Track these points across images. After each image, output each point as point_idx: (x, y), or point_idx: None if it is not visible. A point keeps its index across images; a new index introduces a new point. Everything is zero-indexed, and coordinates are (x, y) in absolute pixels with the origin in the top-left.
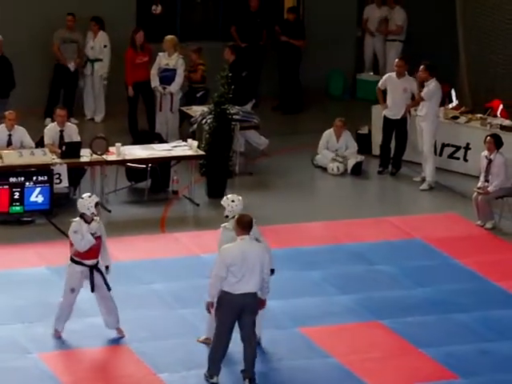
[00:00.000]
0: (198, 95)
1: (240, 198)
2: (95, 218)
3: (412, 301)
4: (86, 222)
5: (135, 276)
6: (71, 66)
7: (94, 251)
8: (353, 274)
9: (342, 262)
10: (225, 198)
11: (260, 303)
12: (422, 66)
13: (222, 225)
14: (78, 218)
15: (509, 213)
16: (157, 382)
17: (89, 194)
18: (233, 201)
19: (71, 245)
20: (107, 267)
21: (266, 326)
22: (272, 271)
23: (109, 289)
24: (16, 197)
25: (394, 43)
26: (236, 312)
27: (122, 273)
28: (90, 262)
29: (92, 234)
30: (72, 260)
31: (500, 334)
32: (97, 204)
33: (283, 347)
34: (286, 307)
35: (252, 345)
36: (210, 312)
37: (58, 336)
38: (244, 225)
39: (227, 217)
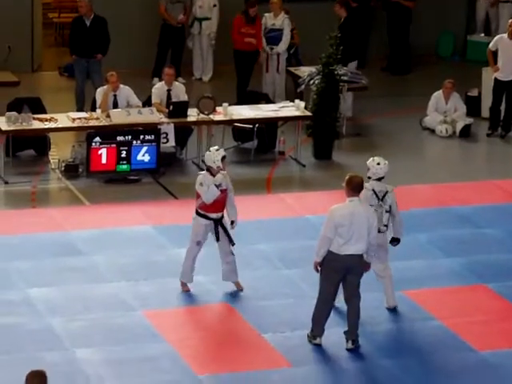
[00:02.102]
0: (291, 51)
1: (386, 162)
2: (222, 171)
3: None
4: (211, 174)
5: (240, 236)
6: (180, 18)
7: (219, 204)
8: (459, 237)
9: (448, 225)
10: (371, 158)
11: (365, 266)
12: None
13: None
14: (204, 171)
15: None
16: (261, 341)
17: (216, 147)
18: (378, 163)
19: (197, 197)
20: (232, 222)
21: (370, 289)
22: (398, 240)
23: (232, 244)
24: (123, 155)
25: (507, 4)
26: (341, 273)
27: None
28: (214, 216)
29: (217, 186)
30: (197, 213)
31: None
32: (223, 158)
33: (387, 310)
34: (391, 269)
35: (356, 306)
36: (318, 271)
37: (186, 290)
38: (354, 186)
39: (369, 178)
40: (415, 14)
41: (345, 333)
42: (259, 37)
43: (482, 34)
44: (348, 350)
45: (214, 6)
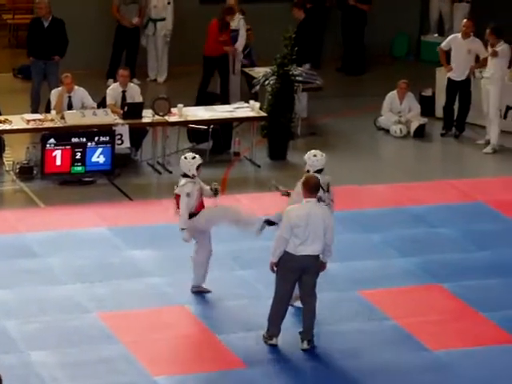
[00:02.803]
0: (245, 52)
1: (323, 154)
2: (191, 180)
3: (473, 264)
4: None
5: None
6: (135, 21)
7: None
8: (413, 236)
9: (403, 224)
10: (308, 152)
11: (321, 266)
12: (488, 30)
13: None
14: (185, 179)
15: None
16: (216, 342)
17: (192, 154)
18: (315, 155)
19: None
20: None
21: (325, 289)
22: None
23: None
24: (78, 157)
25: (461, 4)
26: (297, 273)
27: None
28: None
29: (188, 195)
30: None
31: None
32: (199, 166)
33: (342, 310)
34: (346, 270)
35: (311, 306)
36: (274, 271)
37: (200, 291)
38: (310, 187)
39: (308, 171)
40: (370, 15)
41: (300, 333)
42: (230, 43)
43: (436, 35)
44: (303, 350)
45: (169, 3)
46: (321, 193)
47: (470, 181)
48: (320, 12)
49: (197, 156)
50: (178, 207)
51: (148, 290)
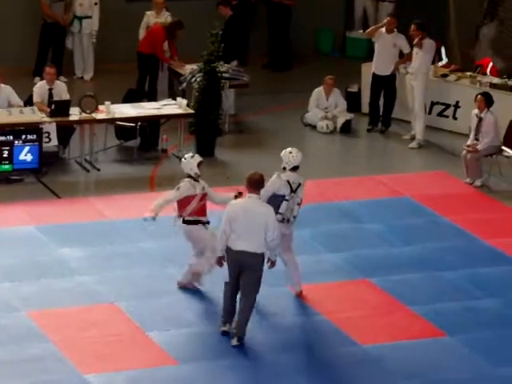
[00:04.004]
0: None
1: (299, 151)
2: (185, 180)
3: (400, 259)
4: (195, 180)
5: (124, 235)
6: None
7: (205, 207)
8: (341, 232)
9: (330, 220)
10: (284, 150)
11: (270, 263)
12: (413, 26)
13: (277, 172)
14: (187, 179)
15: (498, 171)
16: (146, 340)
17: (191, 154)
18: (290, 152)
19: (181, 206)
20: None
21: None
22: None
23: None
24: (5, 155)
25: (385, 4)
26: (235, 267)
27: (111, 231)
28: (204, 219)
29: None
30: (189, 221)
31: (487, 292)
32: (200, 163)
33: (272, 305)
34: (276, 265)
35: (246, 304)
36: (220, 265)
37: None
38: (251, 182)
39: (284, 168)
40: (295, 11)
41: (232, 329)
42: (175, 55)
43: (361, 31)
44: (233, 346)
45: (96, 3)
46: (285, 191)
47: (396, 176)
48: (246, 9)
49: (195, 155)
50: (179, 208)
51: (77, 288)
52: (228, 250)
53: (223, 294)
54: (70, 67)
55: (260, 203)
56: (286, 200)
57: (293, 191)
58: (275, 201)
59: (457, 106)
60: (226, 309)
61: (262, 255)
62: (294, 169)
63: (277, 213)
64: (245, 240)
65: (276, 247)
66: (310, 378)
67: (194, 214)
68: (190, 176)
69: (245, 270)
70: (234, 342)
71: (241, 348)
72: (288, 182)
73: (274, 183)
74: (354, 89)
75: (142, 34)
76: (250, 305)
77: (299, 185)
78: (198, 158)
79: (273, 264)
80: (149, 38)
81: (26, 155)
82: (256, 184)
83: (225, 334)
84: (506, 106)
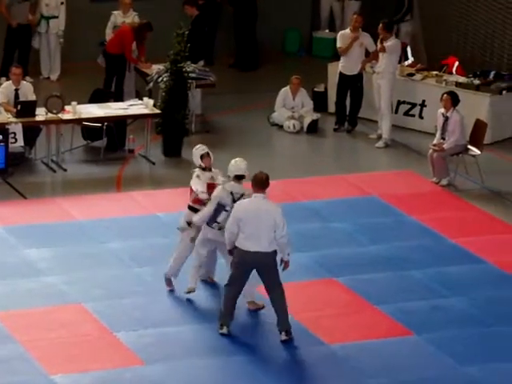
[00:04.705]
0: None
1: (245, 162)
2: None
3: (367, 258)
4: (203, 169)
5: (91, 235)
6: (28, 18)
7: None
8: (309, 231)
9: (297, 219)
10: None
11: (284, 264)
12: (380, 24)
13: (222, 182)
14: (197, 168)
15: (464, 170)
16: (113, 340)
17: (198, 145)
18: (236, 161)
19: (191, 192)
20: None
21: (221, 284)
22: None
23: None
24: None
25: (352, 2)
26: (247, 268)
27: (78, 232)
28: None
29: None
30: (190, 208)
31: (453, 291)
32: (202, 156)
33: (238, 304)
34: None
35: (279, 302)
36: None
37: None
38: (257, 182)
39: (229, 177)
40: (261, 10)
41: (277, 326)
42: (144, 56)
43: (327, 31)
44: (282, 341)
45: (62, 3)
46: (227, 201)
47: (363, 175)
48: (212, 8)
49: (200, 146)
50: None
51: (44, 289)
52: (239, 251)
53: (224, 296)
54: (36, 67)
55: (267, 202)
56: (226, 210)
57: (234, 201)
58: (216, 209)
59: (423, 105)
60: (228, 311)
61: (274, 252)
62: (238, 178)
63: (214, 221)
64: (256, 240)
65: (287, 244)
66: (277, 378)
67: (196, 202)
68: (199, 166)
69: (262, 270)
70: (283, 336)
71: (208, 348)
72: (231, 193)
73: (219, 193)
74: (320, 88)
75: (109, 34)
76: (283, 297)
77: (241, 195)
78: (200, 151)
79: (286, 264)
80: (117, 39)
81: None
82: (262, 183)
83: (224, 335)
84: (471, 104)
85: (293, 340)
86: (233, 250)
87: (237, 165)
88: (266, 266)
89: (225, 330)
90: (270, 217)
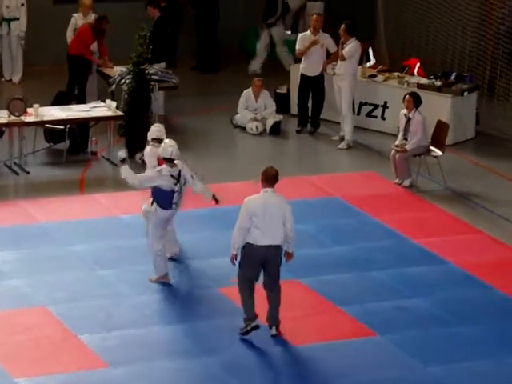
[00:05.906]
0: None
1: (168, 143)
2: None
3: (330, 259)
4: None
5: (54, 238)
6: None
7: None
8: None
9: None
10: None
11: (287, 256)
12: (342, 26)
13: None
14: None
15: (426, 171)
16: (77, 343)
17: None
18: (165, 143)
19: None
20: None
21: (186, 286)
22: None
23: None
24: None
25: (316, 3)
26: (259, 263)
27: (41, 234)
28: None
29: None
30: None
31: (416, 291)
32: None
33: (202, 307)
34: (206, 267)
35: (277, 296)
36: (234, 264)
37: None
38: (267, 177)
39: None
40: (223, 12)
41: (267, 320)
42: (105, 51)
43: (289, 32)
44: (272, 336)
45: (22, 5)
46: (171, 185)
47: (325, 176)
48: (174, 10)
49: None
50: None
51: (8, 292)
52: (249, 246)
53: (242, 294)
54: None
55: (276, 196)
56: (176, 191)
57: (178, 180)
58: (166, 196)
59: (385, 106)
60: (250, 305)
61: (282, 247)
62: (168, 161)
63: (172, 204)
64: (269, 234)
65: (294, 239)
66: (240, 379)
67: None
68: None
69: (270, 264)
70: (273, 331)
71: (173, 350)
72: (171, 175)
73: (156, 174)
74: (283, 90)
75: (69, 36)
76: (279, 296)
77: (179, 171)
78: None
79: (289, 256)
80: (77, 40)
81: None
82: (272, 179)
83: (256, 329)
84: (433, 106)
85: (257, 341)
86: (236, 255)
87: (165, 147)
88: (274, 258)
89: (255, 323)
90: (280, 211)
